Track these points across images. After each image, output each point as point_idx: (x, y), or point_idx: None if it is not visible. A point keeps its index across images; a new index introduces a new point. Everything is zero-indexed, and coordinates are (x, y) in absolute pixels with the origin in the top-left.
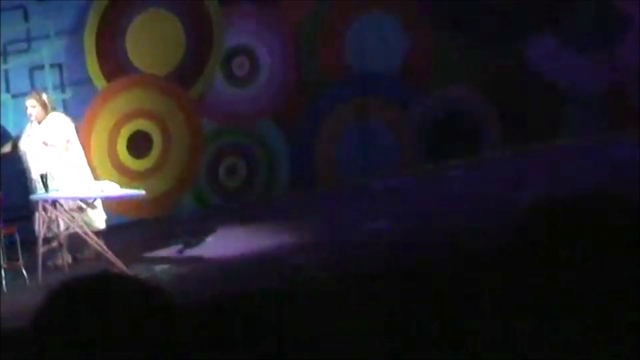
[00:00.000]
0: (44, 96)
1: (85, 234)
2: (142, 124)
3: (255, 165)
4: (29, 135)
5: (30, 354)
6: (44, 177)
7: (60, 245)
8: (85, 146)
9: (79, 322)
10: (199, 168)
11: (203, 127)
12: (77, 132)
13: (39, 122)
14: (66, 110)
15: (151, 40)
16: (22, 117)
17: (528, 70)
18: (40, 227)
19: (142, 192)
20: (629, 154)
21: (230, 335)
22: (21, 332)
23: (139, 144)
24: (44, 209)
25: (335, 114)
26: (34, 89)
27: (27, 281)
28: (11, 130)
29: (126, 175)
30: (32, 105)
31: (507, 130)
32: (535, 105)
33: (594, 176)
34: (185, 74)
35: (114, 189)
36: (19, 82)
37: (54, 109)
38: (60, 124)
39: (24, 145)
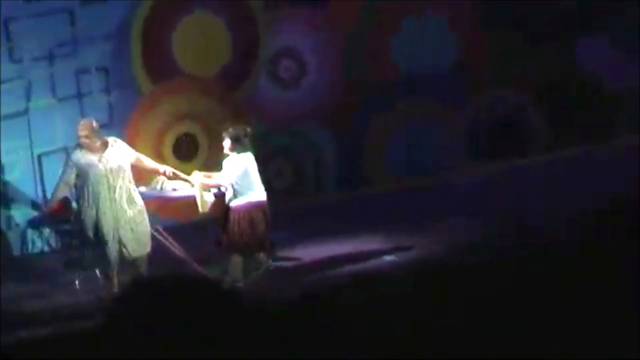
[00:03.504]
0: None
1: (158, 232)
2: (189, 127)
3: (303, 167)
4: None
5: (102, 347)
6: None
7: None
8: (132, 148)
9: (149, 319)
10: None
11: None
12: (124, 134)
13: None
14: (112, 114)
15: (197, 43)
16: (68, 121)
17: (577, 72)
18: None
19: (214, 191)
20: None
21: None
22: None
23: (185, 147)
24: None
25: (384, 115)
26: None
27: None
28: (58, 135)
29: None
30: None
31: (556, 132)
32: (585, 106)
33: None
34: (232, 76)
35: (186, 188)
36: (65, 85)
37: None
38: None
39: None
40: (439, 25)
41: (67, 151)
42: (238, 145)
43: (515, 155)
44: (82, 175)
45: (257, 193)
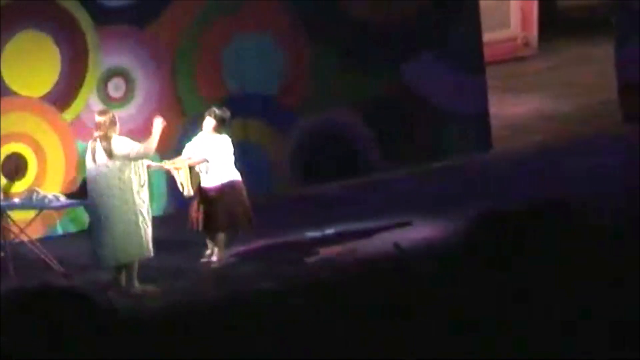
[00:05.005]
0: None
1: (32, 243)
2: (16, 147)
3: None
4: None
5: None
6: None
7: (5, 255)
8: None
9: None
10: (75, 190)
11: (79, 149)
12: None
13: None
14: None
15: (26, 62)
16: None
17: (406, 91)
18: None
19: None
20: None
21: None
22: None
23: (13, 167)
24: None
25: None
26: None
27: None
28: None
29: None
30: None
31: (386, 152)
32: (414, 126)
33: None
34: (61, 96)
35: (60, 199)
36: None
37: None
38: None
39: None
40: (267, 43)
41: None
42: (222, 126)
43: (347, 175)
44: None
45: (236, 174)
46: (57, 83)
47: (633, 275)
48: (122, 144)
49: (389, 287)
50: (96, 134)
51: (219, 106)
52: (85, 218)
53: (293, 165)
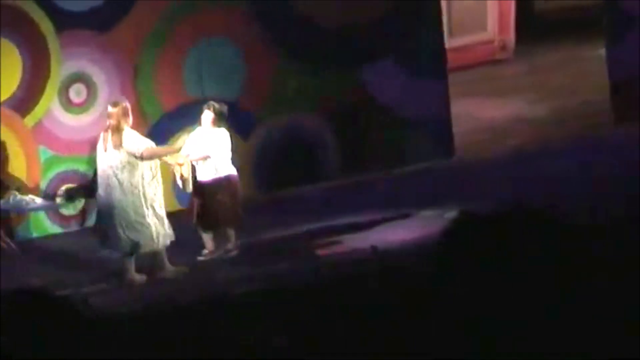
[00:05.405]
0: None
1: (4, 242)
2: None
3: (94, 193)
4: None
5: None
6: None
7: None
8: None
9: None
10: (38, 195)
11: (40, 155)
12: None
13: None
14: None
15: None
16: None
17: (367, 97)
18: None
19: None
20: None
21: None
22: None
23: None
24: None
25: (174, 142)
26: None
27: None
28: None
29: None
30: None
31: (347, 157)
32: (376, 131)
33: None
34: (22, 102)
35: (36, 201)
36: None
37: None
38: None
39: None
40: (229, 48)
41: None
42: (221, 120)
43: (309, 180)
44: None
45: (232, 168)
46: (19, 88)
47: (602, 275)
48: (132, 141)
49: (373, 287)
50: (108, 122)
51: (217, 100)
52: (46, 224)
53: (255, 170)
